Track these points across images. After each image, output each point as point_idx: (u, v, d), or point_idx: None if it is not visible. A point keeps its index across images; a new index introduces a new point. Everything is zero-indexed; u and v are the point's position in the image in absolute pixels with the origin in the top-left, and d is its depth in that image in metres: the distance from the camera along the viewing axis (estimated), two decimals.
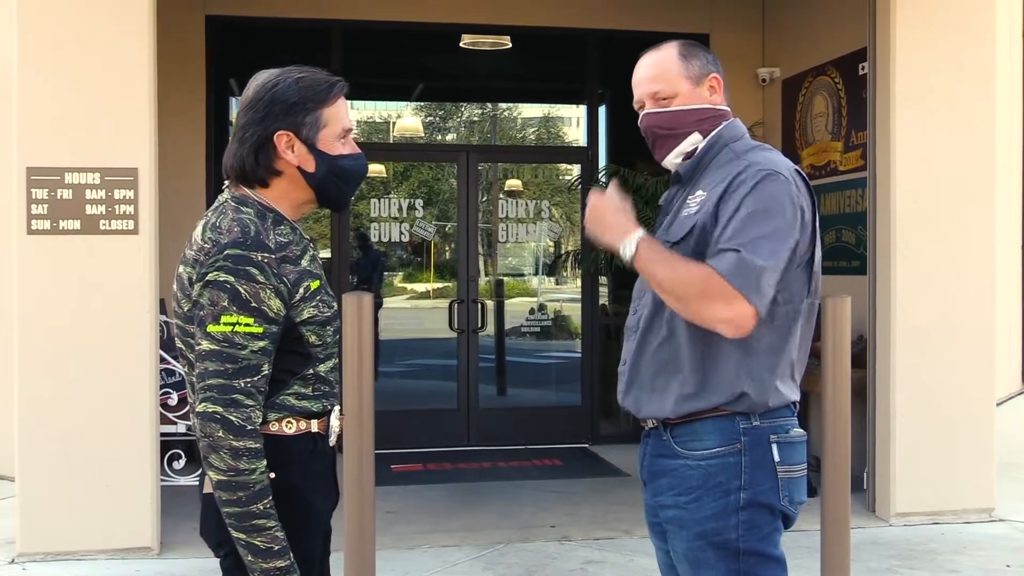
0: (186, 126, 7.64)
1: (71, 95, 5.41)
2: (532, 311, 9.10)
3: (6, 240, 5.91)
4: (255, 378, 2.20)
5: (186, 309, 2.28)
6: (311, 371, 2.33)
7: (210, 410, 2.18)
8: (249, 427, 2.18)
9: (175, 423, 6.44)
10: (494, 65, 8.92)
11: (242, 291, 2.19)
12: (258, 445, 2.19)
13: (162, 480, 5.73)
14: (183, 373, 2.34)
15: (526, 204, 8.91)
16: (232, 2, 7.82)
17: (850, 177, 7.15)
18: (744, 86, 8.21)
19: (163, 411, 6.07)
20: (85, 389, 5.38)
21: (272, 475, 2.22)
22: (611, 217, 2.54)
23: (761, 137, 8.13)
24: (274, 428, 2.28)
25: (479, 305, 8.47)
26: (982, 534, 5.90)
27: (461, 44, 8.63)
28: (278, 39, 8.16)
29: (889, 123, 6.11)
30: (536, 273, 9.40)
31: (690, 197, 2.56)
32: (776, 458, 2.48)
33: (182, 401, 6.52)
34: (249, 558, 2.19)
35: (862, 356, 6.28)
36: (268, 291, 2.21)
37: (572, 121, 9.89)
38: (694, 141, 2.60)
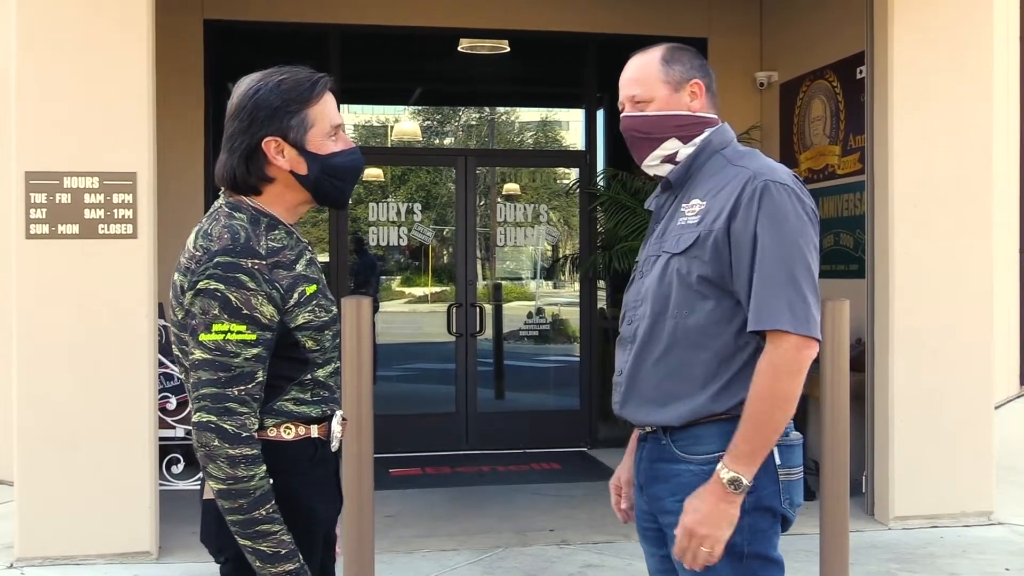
0: (185, 130, 7.64)
1: (70, 99, 5.41)
2: (530, 315, 9.10)
3: (5, 244, 5.91)
4: (249, 385, 2.19)
5: (180, 317, 2.27)
6: (309, 376, 2.31)
7: (204, 419, 2.17)
8: (244, 434, 2.17)
9: (174, 427, 6.43)
10: (492, 69, 8.92)
11: (233, 299, 2.18)
12: (255, 451, 2.18)
13: (161, 484, 5.73)
14: (181, 378, 2.33)
15: (524, 208, 8.91)
16: (230, 6, 7.82)
17: (848, 181, 7.16)
18: (742, 90, 8.23)
19: (162, 415, 6.07)
20: (84, 393, 5.38)
21: (271, 481, 2.21)
22: (719, 523, 2.40)
23: (759, 141, 8.14)
24: (272, 434, 2.27)
25: (477, 309, 8.47)
26: (981, 537, 5.90)
27: (459, 48, 8.64)
28: (276, 43, 8.16)
29: (887, 127, 6.12)
30: (534, 277, 9.40)
31: (685, 205, 2.56)
32: (777, 461, 2.48)
33: (181, 405, 6.52)
34: (257, 564, 2.18)
35: (860, 359, 6.28)
36: (260, 297, 2.20)
37: (570, 125, 9.91)
38: (671, 147, 2.60)
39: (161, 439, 5.87)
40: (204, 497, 2.31)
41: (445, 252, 9.10)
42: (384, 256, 9.06)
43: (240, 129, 2.29)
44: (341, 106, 2.40)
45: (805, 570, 5.26)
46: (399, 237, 8.70)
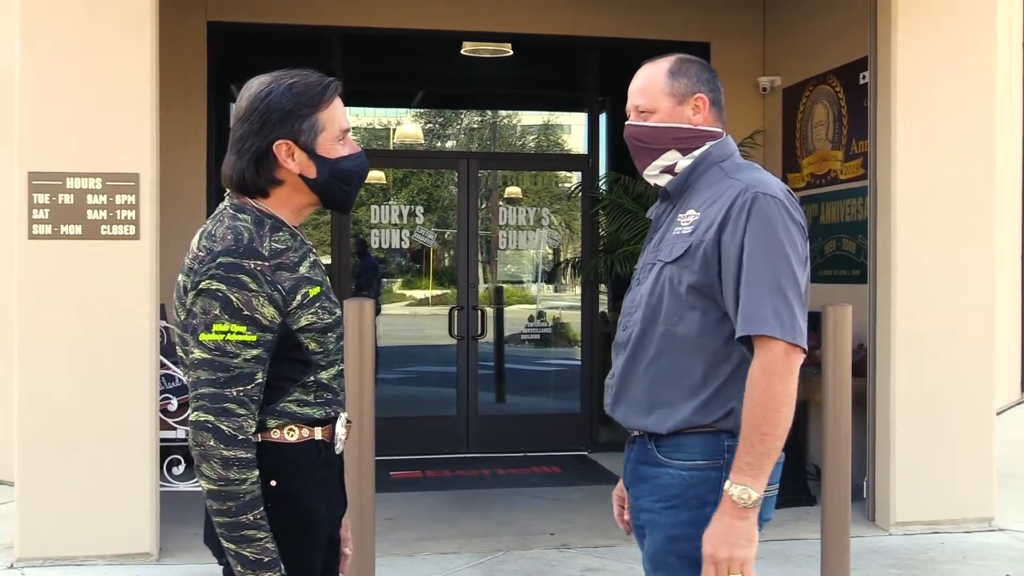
0: (187, 131, 7.65)
1: (73, 100, 5.42)
2: (531, 318, 9.11)
3: (7, 245, 5.91)
4: (248, 387, 2.19)
5: (182, 317, 2.28)
6: (312, 378, 2.31)
7: (202, 419, 2.17)
8: (240, 436, 2.17)
9: (175, 428, 6.43)
10: (494, 72, 8.93)
11: (234, 299, 2.18)
12: (249, 455, 2.18)
13: (161, 486, 5.73)
14: (183, 379, 2.33)
15: (526, 211, 8.92)
16: (234, 8, 7.83)
17: (850, 186, 7.15)
18: (744, 95, 8.23)
19: (163, 417, 6.07)
20: (85, 394, 5.38)
21: (273, 483, 2.21)
22: (737, 542, 2.38)
23: (762, 145, 8.15)
24: (276, 435, 2.27)
25: (479, 312, 8.47)
26: (982, 543, 5.89)
27: (462, 51, 8.65)
28: (279, 45, 8.17)
29: (890, 132, 6.12)
30: (536, 280, 9.40)
31: (680, 215, 2.61)
32: None
33: (182, 407, 6.52)
34: (238, 568, 2.18)
35: (862, 365, 6.28)
36: (261, 299, 2.20)
37: (572, 128, 9.91)
38: (671, 158, 2.65)
39: (162, 440, 5.87)
40: None
41: (447, 255, 9.11)
42: (386, 259, 9.07)
43: (251, 131, 2.29)
44: (345, 110, 2.41)
45: (806, 575, 5.25)
46: (401, 240, 8.71)
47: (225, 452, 2.15)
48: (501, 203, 9.07)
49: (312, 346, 2.29)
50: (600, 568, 5.41)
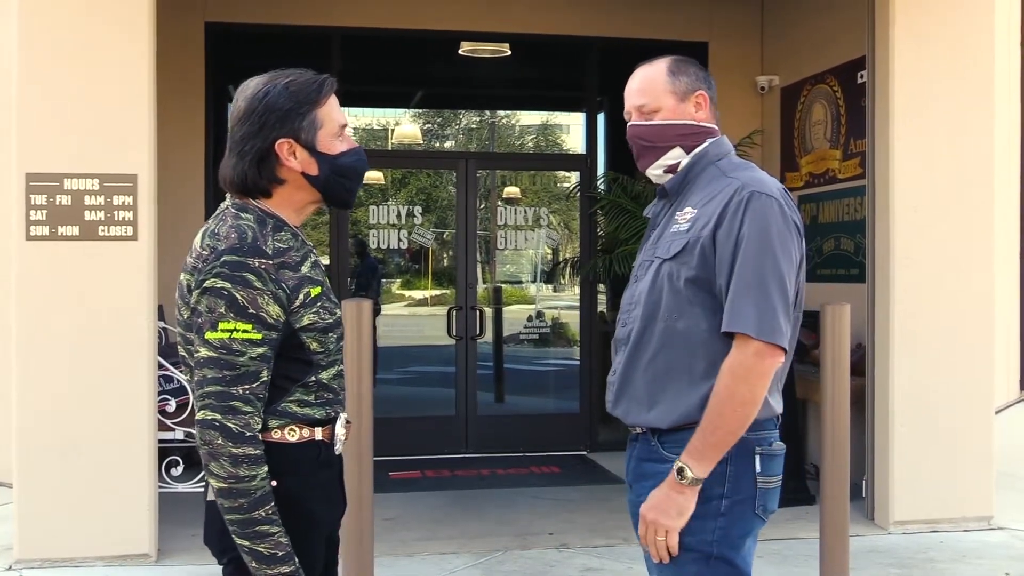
0: (185, 132, 7.64)
1: (71, 101, 5.42)
2: (530, 318, 9.11)
3: (5, 246, 5.91)
4: (253, 384, 2.20)
5: (186, 316, 2.28)
6: (313, 378, 2.32)
7: (208, 417, 2.18)
8: (248, 433, 2.18)
9: (173, 430, 6.43)
10: (493, 72, 8.93)
11: (239, 297, 2.19)
12: (258, 451, 2.19)
13: (160, 487, 5.72)
14: (183, 380, 2.34)
15: (525, 211, 8.91)
16: (232, 9, 7.82)
17: (849, 185, 7.16)
18: (743, 94, 8.23)
19: (161, 418, 6.07)
20: (83, 395, 5.38)
21: (273, 483, 2.21)
22: (667, 511, 2.49)
23: (760, 145, 8.15)
24: (276, 436, 2.27)
25: (477, 312, 8.47)
26: (981, 542, 5.90)
27: (460, 51, 8.65)
28: (278, 46, 8.17)
29: (888, 131, 6.12)
30: (534, 280, 9.41)
31: (678, 213, 2.64)
32: (758, 468, 2.55)
33: (180, 408, 6.52)
34: (253, 564, 2.19)
35: (861, 364, 6.28)
36: (266, 297, 2.21)
37: (570, 128, 9.91)
38: (676, 155, 2.68)
39: (160, 442, 5.86)
40: (208, 498, 2.31)
41: (445, 255, 9.11)
42: (384, 259, 9.07)
43: (251, 133, 2.30)
44: (342, 109, 2.43)
45: (805, 574, 5.25)
46: (400, 240, 8.71)
47: (234, 450, 2.16)
48: (500, 203, 9.07)
49: (314, 346, 2.30)
50: (599, 568, 5.41)
